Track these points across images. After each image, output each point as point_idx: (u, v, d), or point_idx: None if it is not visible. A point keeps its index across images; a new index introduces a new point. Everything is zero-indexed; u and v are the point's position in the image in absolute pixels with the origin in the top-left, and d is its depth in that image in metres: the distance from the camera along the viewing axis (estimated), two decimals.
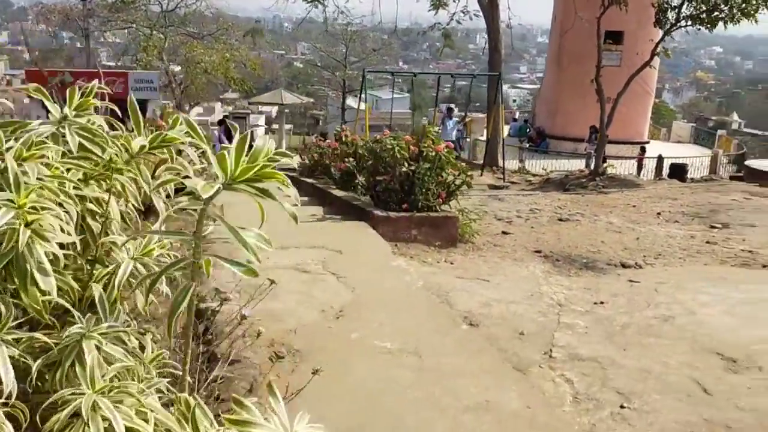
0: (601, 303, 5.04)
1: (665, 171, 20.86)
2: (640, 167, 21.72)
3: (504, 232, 7.72)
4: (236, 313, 3.47)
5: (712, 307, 4.98)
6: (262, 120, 57.67)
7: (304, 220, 6.94)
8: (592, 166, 18.97)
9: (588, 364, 3.84)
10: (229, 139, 19.35)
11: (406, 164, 6.51)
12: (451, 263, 6.08)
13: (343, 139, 9.19)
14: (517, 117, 34.19)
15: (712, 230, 8.91)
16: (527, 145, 25.22)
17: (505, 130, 31.46)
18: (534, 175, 19.31)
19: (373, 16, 22.21)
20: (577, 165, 21.23)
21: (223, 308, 3.61)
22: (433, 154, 6.49)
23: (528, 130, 28.99)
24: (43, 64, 30.20)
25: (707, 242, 7.86)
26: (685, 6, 14.17)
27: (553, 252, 6.89)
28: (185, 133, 1.94)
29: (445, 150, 6.63)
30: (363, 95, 15.82)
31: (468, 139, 23.59)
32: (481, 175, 17.53)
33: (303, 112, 55.98)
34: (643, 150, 22.56)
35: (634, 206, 11.02)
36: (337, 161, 9.09)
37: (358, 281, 4.72)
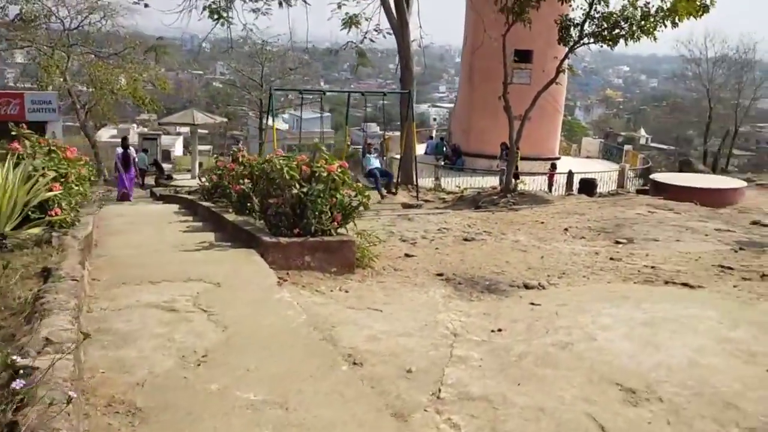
0: (499, 330, 4.73)
1: (575, 186, 21.29)
2: (551, 183, 22.07)
3: (407, 255, 7.37)
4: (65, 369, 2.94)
5: (613, 330, 4.75)
6: (179, 141, 55.80)
7: (189, 248, 6.40)
8: (502, 182, 19.15)
9: (478, 405, 3.48)
10: (126, 165, 18.42)
11: (297, 186, 6.07)
12: (346, 291, 5.66)
13: (240, 159, 8.66)
14: (433, 135, 34.41)
15: (617, 246, 8.87)
16: (443, 163, 25.27)
17: (422, 148, 31.72)
18: (448, 193, 19.28)
19: (289, 36, 21.65)
20: (492, 182, 21.37)
21: (52, 363, 3.04)
22: (326, 174, 6.08)
23: (444, 148, 29.14)
24: None
25: (611, 258, 7.77)
26: (587, 24, 14.41)
27: (456, 274, 6.58)
28: None
29: (339, 170, 6.23)
30: (270, 114, 15.31)
31: (384, 158, 23.38)
32: (395, 194, 17.31)
33: (223, 132, 54.70)
34: (553, 166, 22.95)
35: (542, 223, 10.95)
36: (234, 183, 8.56)
37: (232, 319, 4.23)
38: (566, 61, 15.22)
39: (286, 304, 4.62)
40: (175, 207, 11.61)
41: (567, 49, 15.08)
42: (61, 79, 29.56)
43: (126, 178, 17.87)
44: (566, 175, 22.29)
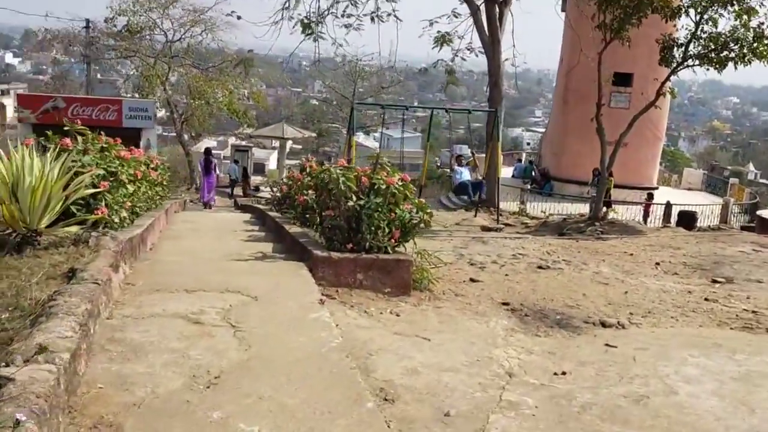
0: (563, 374, 4.10)
1: (674, 218, 19.93)
2: (646, 214, 20.75)
3: (473, 280, 6.80)
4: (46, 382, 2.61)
5: (699, 383, 4.02)
6: (274, 155, 57.15)
7: (241, 258, 6.10)
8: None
9: None
10: (207, 169, 18.92)
11: (353, 197, 5.66)
12: (397, 315, 5.17)
13: (307, 170, 8.37)
14: (522, 158, 33.46)
15: (714, 285, 7.95)
16: (530, 187, 24.36)
17: (510, 171, 30.85)
18: (532, 218, 18.43)
19: (378, 52, 21.53)
20: (582, 209, 20.29)
21: (37, 375, 2.72)
22: (385, 186, 5.63)
23: (533, 171, 28.19)
24: (58, 90, 29.93)
25: (706, 299, 6.90)
26: (692, 44, 13.39)
27: (524, 305, 5.96)
28: None
29: (400, 183, 5.77)
30: (350, 129, 15.11)
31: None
32: (476, 215, 16.68)
33: (316, 148, 55.47)
34: (650, 196, 21.61)
35: (631, 255, 10.08)
36: (299, 194, 8.27)
37: (259, 337, 3.83)
38: (667, 84, 14.18)
39: (323, 324, 4.18)
40: (247, 216, 11.49)
41: (669, 71, 14.06)
42: (162, 89, 30.74)
43: (206, 183, 18.31)
44: (664, 206, 20.92)
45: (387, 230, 5.72)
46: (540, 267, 7.67)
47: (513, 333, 5.09)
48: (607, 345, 4.85)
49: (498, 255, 8.85)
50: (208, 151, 19.37)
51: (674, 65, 13.71)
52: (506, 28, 19.60)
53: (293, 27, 19.89)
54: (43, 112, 22.05)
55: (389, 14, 20.77)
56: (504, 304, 5.96)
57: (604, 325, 5.56)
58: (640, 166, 24.78)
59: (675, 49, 13.49)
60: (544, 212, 18.45)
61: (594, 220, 14.33)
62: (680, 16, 12.83)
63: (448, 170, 15.32)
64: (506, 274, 7.26)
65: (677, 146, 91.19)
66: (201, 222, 10.00)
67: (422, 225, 6.01)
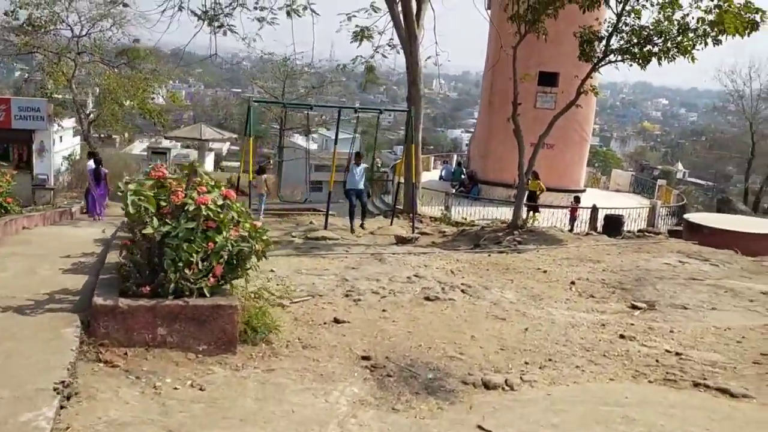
0: None
1: (600, 222, 19.14)
2: (573, 218, 19.90)
3: (336, 320, 5.42)
4: None
5: None
6: (210, 157, 54.89)
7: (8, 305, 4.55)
8: (524, 214, 17.09)
9: None
10: (97, 179, 16.72)
11: (155, 222, 4.20)
12: (201, 389, 3.75)
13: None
14: (453, 160, 32.46)
15: (633, 312, 6.82)
16: (454, 191, 23.27)
17: (438, 173, 29.79)
18: (456, 224, 17.28)
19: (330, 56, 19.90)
20: (507, 213, 19.28)
21: None
22: (194, 207, 4.20)
23: (462, 174, 27.18)
24: None
25: (621, 336, 5.72)
26: (614, 38, 12.39)
27: (391, 358, 4.63)
28: None
29: (221, 202, 4.35)
30: (247, 128, 13.57)
31: (392, 182, 21.50)
32: (391, 224, 15.37)
33: (255, 150, 53.20)
34: (577, 200, 20.77)
35: (544, 272, 8.92)
36: None
37: None
38: (589, 82, 13.18)
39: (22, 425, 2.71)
40: (111, 231, 9.82)
41: (590, 68, 13.06)
42: (68, 88, 28.41)
43: (96, 194, 16.18)
44: (590, 210, 20.13)
45: (202, 266, 4.28)
46: (428, 298, 6.34)
47: (361, 409, 3.74)
48: (480, 429, 3.54)
49: (390, 279, 7.51)
50: (96, 159, 16.68)
51: (595, 60, 12.69)
52: (428, 26, 18.41)
53: (196, 20, 18.22)
54: None
55: (305, 8, 19.27)
56: (364, 358, 4.61)
57: (487, 386, 4.27)
58: (566, 168, 24.04)
59: (596, 43, 12.47)
60: (465, 218, 17.36)
61: (513, 228, 13.21)
62: (599, 5, 11.79)
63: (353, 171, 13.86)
64: (384, 310, 5.90)
65: (609, 147, 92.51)
66: (45, 240, 8.34)
67: (257, 256, 4.59)
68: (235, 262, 4.49)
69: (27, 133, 20.78)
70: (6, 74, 37.06)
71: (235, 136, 35.25)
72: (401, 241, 13.61)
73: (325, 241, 12.79)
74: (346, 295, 6.32)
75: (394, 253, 9.69)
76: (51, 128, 21.73)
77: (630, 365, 4.99)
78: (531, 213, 17.86)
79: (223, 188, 4.50)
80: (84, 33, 29.21)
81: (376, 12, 20.05)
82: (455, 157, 33.99)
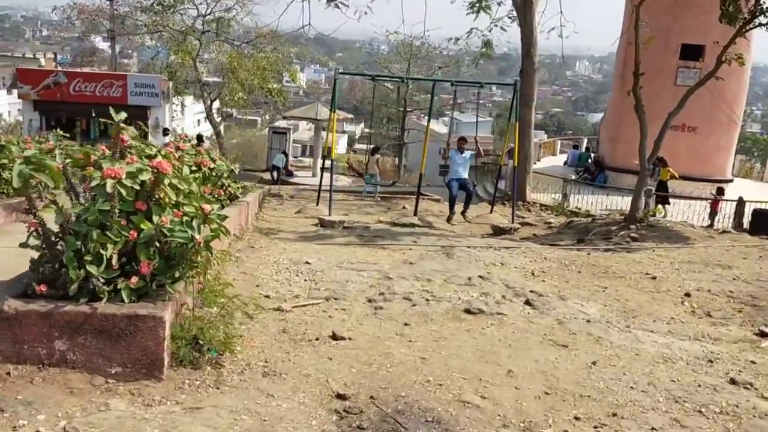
0: None
1: (747, 218, 16.43)
2: (714, 212, 17.26)
3: (334, 336, 4.19)
4: None
5: None
6: (344, 139, 55.18)
7: None
8: (650, 206, 14.93)
9: None
10: None
11: (68, 198, 3.19)
12: None
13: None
14: (583, 144, 29.95)
15: (760, 343, 5.05)
16: (575, 177, 21.11)
17: (564, 158, 27.52)
18: (570, 213, 15.42)
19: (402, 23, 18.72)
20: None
21: None
22: (112, 180, 3.12)
23: (588, 159, 24.87)
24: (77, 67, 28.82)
25: (732, 380, 4.07)
26: None
27: (378, 398, 3.36)
28: None
29: (143, 176, 3.25)
30: (333, 103, 12.57)
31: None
32: (491, 212, 13.85)
33: (387, 133, 52.80)
34: (720, 191, 18.02)
35: (653, 278, 7.18)
36: None
37: None
38: (733, 49, 10.93)
39: None
40: None
41: (734, 32, 10.80)
42: (192, 67, 29.05)
43: None
44: (735, 203, 17.36)
45: (118, 261, 3.21)
46: (468, 311, 4.94)
47: None
48: None
49: (445, 279, 6.17)
50: (165, 132, 18.33)
51: (741, 23, 10.44)
52: None
53: None
54: (44, 87, 20.58)
55: None
56: (340, 396, 3.36)
57: None
58: (710, 154, 21.14)
59: (741, 0, 10.22)
60: (579, 208, 15.39)
61: (630, 221, 11.29)
62: None
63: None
64: (406, 323, 4.59)
65: None
66: None
67: (198, 250, 3.45)
68: (171, 257, 3.39)
69: (143, 109, 21.16)
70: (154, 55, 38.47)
71: (351, 116, 34.68)
72: (497, 231, 12.14)
73: (413, 228, 11.61)
74: (370, 300, 5.08)
75: (470, 247, 8.26)
76: (166, 104, 22.02)
77: (737, 430, 3.39)
78: (658, 206, 15.57)
79: (159, 158, 3.39)
80: (209, 12, 29.69)
81: None
82: (585, 141, 31.36)
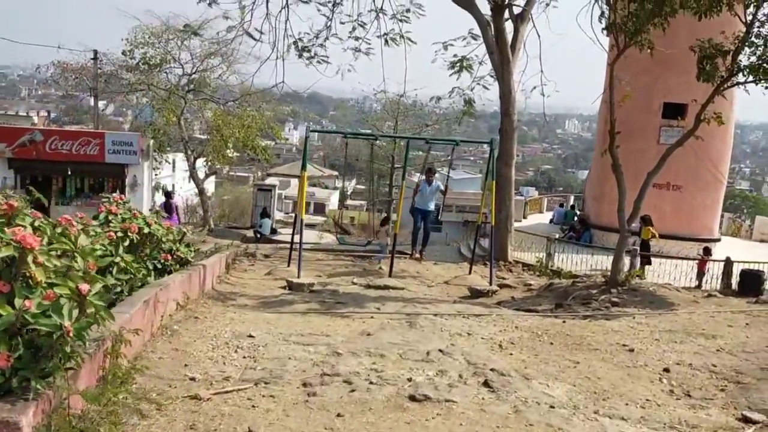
0: None
1: (735, 278, 15.97)
2: (701, 272, 16.80)
3: None
4: None
5: None
6: (335, 196, 55.15)
7: None
8: (635, 265, 14.49)
9: None
10: (168, 211, 17.16)
11: None
12: None
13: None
14: (569, 202, 29.72)
15: (743, 431, 4.51)
16: (561, 236, 20.71)
17: (548, 216, 27.21)
18: (552, 274, 14.94)
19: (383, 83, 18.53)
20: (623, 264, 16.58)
21: None
22: None
23: (574, 217, 24.55)
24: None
25: None
26: (743, 53, 9.90)
27: None
28: None
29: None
30: (303, 161, 12.24)
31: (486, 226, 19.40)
32: (470, 272, 13.36)
33: (378, 189, 52.71)
34: (706, 251, 17.64)
35: (631, 350, 6.67)
36: None
37: None
38: (712, 108, 10.67)
39: None
40: None
41: (720, 91, 10.55)
42: (177, 124, 28.91)
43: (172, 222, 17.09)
44: (723, 263, 16.94)
45: None
46: (413, 397, 4.37)
47: None
48: None
49: (401, 354, 5.63)
50: (167, 193, 18.80)
51: (718, 81, 10.22)
52: (533, 53, 16.48)
53: (287, 50, 17.34)
54: (19, 145, 20.15)
55: (401, 36, 17.84)
56: None
57: None
58: (697, 213, 20.82)
59: (719, 59, 10.00)
60: (560, 269, 14.89)
61: (612, 284, 10.81)
62: (719, 10, 9.36)
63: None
64: (339, 415, 3.98)
65: (760, 192, 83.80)
66: None
67: (65, 339, 2.93)
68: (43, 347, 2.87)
69: (120, 167, 20.80)
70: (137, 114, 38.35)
71: (335, 173, 34.50)
72: (474, 294, 11.65)
73: (387, 291, 11.11)
74: (305, 385, 4.51)
75: (436, 315, 7.73)
76: (144, 162, 21.66)
77: None
78: (644, 266, 15.11)
79: (23, 231, 2.91)
80: (194, 71, 29.73)
81: (475, 40, 18.38)
82: (571, 198, 31.14)
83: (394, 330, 6.75)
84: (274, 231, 27.93)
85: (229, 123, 29.19)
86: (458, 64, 18.55)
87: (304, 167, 12.20)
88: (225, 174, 67.35)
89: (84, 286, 2.92)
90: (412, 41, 17.70)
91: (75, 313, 2.87)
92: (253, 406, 4.04)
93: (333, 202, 54.51)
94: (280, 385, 4.46)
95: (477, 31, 17.08)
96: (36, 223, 3.18)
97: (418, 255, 12.10)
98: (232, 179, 64.88)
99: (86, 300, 2.93)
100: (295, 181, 46.10)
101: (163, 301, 5.77)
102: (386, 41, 17.72)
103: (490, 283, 12.13)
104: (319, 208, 54.59)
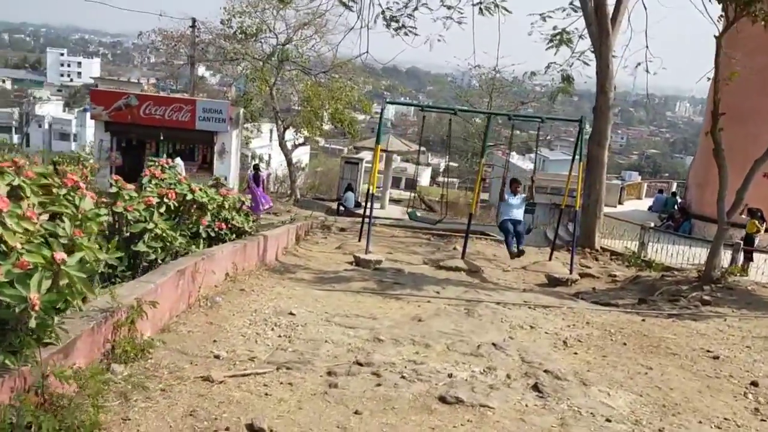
0: None
1: None
2: None
3: (251, 428, 3.27)
4: None
5: None
6: (427, 172, 54.44)
7: None
8: (737, 261, 13.26)
9: None
10: (256, 182, 17.76)
11: None
12: None
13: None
14: (672, 188, 27.93)
15: None
16: (657, 224, 19.35)
17: (648, 202, 25.63)
18: (643, 265, 13.89)
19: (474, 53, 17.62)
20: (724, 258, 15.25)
21: None
22: None
23: (675, 205, 22.98)
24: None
25: None
26: None
27: None
28: None
29: None
30: (378, 134, 11.81)
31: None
32: (550, 258, 12.61)
33: (471, 168, 51.92)
34: None
35: (715, 358, 5.91)
36: None
37: None
38: None
39: None
40: None
41: None
42: (268, 94, 29.22)
43: (258, 193, 17.88)
44: None
45: None
46: (443, 399, 3.89)
47: None
48: None
49: (448, 345, 5.16)
50: (255, 166, 19.84)
51: None
52: (637, 27, 15.31)
53: (374, 20, 16.89)
54: (115, 109, 20.83)
55: (496, 4, 16.94)
56: None
57: None
58: None
59: None
60: (652, 261, 13.79)
61: (705, 281, 9.84)
62: None
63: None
64: (356, 412, 3.59)
65: None
66: None
67: (47, 315, 2.64)
68: None
69: (209, 135, 21.13)
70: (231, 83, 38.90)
71: (423, 149, 33.91)
72: (552, 282, 10.96)
73: (458, 273, 10.64)
74: (330, 373, 4.13)
75: (499, 303, 7.18)
76: (233, 131, 21.91)
77: None
78: (745, 262, 13.80)
79: None
80: (287, 41, 29.84)
81: (576, 12, 17.28)
82: (674, 185, 29.25)
83: (449, 317, 6.27)
84: (358, 204, 27.78)
85: (319, 94, 29.21)
86: (557, 38, 17.51)
87: (378, 140, 11.77)
88: (319, 146, 68.20)
89: (59, 255, 2.64)
90: (507, 10, 16.76)
91: (47, 284, 2.59)
92: (267, 394, 3.70)
93: (425, 178, 53.75)
94: (303, 372, 4.10)
95: (578, 2, 16.02)
96: (16, 182, 2.92)
97: (516, 251, 11.18)
98: (326, 151, 65.61)
99: (61, 270, 2.64)
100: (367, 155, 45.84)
101: (204, 271, 5.54)
102: (480, 10, 16.88)
103: (570, 272, 11.37)
104: (411, 184, 54.18)
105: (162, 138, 21.02)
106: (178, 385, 3.60)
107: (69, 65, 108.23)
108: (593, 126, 14.86)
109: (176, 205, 5.13)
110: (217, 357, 4.30)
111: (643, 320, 7.28)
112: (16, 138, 61.22)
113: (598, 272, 12.02)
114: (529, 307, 7.17)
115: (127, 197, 4.54)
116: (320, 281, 7.87)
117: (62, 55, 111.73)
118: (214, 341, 4.64)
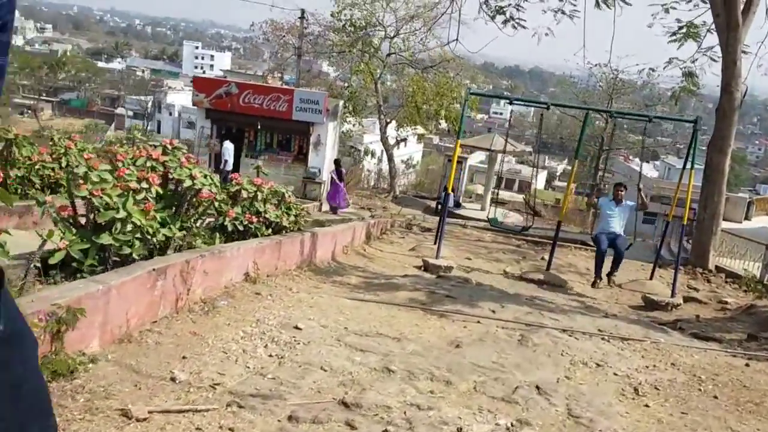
0: None
1: None
2: None
3: None
4: None
5: None
6: (542, 176, 52.52)
7: None
8: None
9: None
10: (339, 178, 17.41)
11: None
12: None
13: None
14: None
15: None
16: None
17: None
18: (764, 290, 11.99)
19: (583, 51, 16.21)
20: None
21: None
22: None
23: None
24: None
25: None
26: None
27: None
28: None
29: None
30: (460, 127, 10.82)
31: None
32: (651, 277, 11.08)
33: (589, 173, 49.31)
34: None
35: None
36: None
37: None
38: None
39: None
40: None
41: None
42: (373, 88, 28.75)
43: (338, 190, 18.65)
44: None
45: None
46: None
47: None
48: None
49: (477, 384, 4.15)
50: (336, 161, 19.90)
51: None
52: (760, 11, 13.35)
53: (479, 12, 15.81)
54: (216, 97, 20.95)
55: None
56: None
57: None
58: None
59: None
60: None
61: None
62: None
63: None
64: None
65: None
66: None
67: None
68: None
69: (306, 126, 20.79)
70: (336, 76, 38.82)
71: (528, 149, 32.26)
72: (649, 305, 9.53)
73: (540, 286, 9.50)
74: (291, 418, 3.22)
75: (564, 330, 6.00)
76: (329, 123, 21.48)
77: None
78: None
79: None
80: (395, 34, 29.20)
81: (704, 2, 15.43)
82: None
83: (496, 344, 5.21)
84: (458, 204, 26.74)
85: (424, 90, 28.39)
86: (683, 30, 15.72)
87: (459, 135, 10.78)
88: (433, 144, 67.30)
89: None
90: (626, 2, 15.17)
91: None
92: None
93: (540, 181, 51.59)
94: (258, 413, 3.23)
95: None
96: None
97: (600, 281, 9.79)
98: (439, 150, 64.71)
99: None
100: (479, 155, 44.12)
101: (203, 270, 4.82)
102: (597, 3, 15.40)
103: (672, 294, 9.85)
104: (525, 186, 52.27)
105: (259, 127, 20.92)
106: (83, 419, 2.85)
107: (203, 58, 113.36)
108: (714, 129, 13.05)
109: (162, 191, 4.43)
110: (173, 380, 3.54)
111: (747, 365, 5.87)
112: (149, 125, 65.05)
113: (706, 297, 10.37)
114: (603, 338, 5.95)
115: (96, 179, 3.88)
116: (365, 287, 7.01)
117: (197, 48, 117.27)
118: (183, 357, 3.89)
